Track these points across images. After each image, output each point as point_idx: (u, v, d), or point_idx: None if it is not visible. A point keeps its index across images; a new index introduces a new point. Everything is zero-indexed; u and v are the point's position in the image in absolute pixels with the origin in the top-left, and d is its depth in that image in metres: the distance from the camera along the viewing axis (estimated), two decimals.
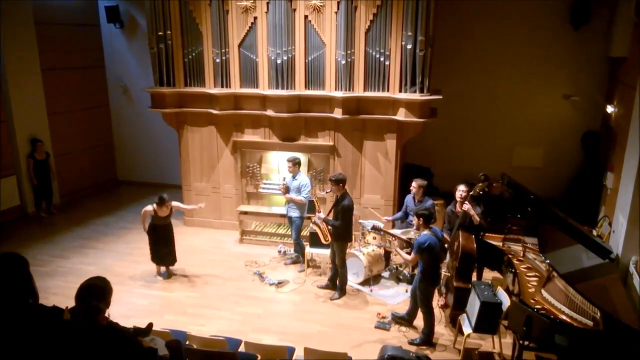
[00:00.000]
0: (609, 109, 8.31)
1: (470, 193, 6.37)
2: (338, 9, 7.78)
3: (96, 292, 3.19)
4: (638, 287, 5.73)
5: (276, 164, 8.73)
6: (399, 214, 7.64)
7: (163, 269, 7.60)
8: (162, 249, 7.44)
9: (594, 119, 9.27)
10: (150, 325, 3.84)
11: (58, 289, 7.03)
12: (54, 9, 10.36)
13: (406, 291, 6.94)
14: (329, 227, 6.86)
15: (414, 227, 6.81)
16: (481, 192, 6.33)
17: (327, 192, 7.36)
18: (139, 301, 6.92)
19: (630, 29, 7.58)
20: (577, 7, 8.72)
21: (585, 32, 8.91)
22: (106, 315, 3.22)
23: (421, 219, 5.75)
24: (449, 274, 6.38)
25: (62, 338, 3.05)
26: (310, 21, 7.99)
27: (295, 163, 7.65)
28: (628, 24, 7.59)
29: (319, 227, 6.97)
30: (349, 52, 7.83)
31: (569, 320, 4.81)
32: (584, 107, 9.30)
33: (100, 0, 11.27)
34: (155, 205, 7.21)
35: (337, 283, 7.06)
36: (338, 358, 4.67)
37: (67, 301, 4.01)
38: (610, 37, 8.51)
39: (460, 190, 6.70)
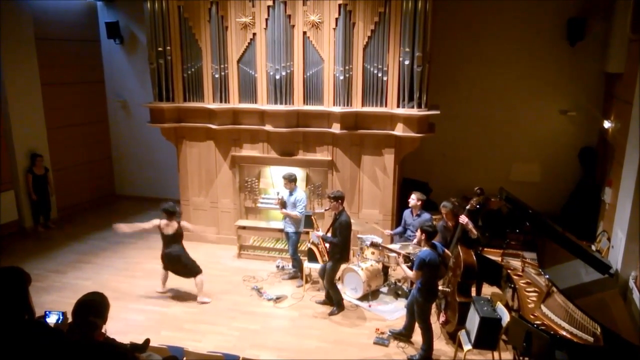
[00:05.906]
0: (606, 124, 8.35)
1: (467, 207, 6.36)
2: (336, 25, 7.86)
3: (93, 307, 3.17)
4: (638, 302, 5.71)
5: (274, 179, 8.74)
6: (399, 229, 7.62)
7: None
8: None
9: (591, 134, 9.30)
10: (147, 341, 3.81)
11: (54, 304, 6.93)
12: (55, 25, 10.44)
13: (405, 307, 6.90)
14: (327, 246, 6.83)
15: (415, 242, 6.81)
16: (477, 206, 6.32)
17: (325, 210, 7.32)
18: (136, 317, 6.86)
19: (625, 45, 7.65)
20: (573, 23, 8.81)
21: (582, 48, 8.98)
22: (103, 331, 3.20)
23: (424, 234, 5.69)
24: (449, 290, 6.35)
25: (58, 354, 3.02)
26: (308, 37, 8.06)
27: (291, 180, 7.61)
28: (623, 40, 7.67)
29: (317, 247, 6.92)
30: (347, 67, 7.89)
31: (569, 335, 4.79)
32: (581, 123, 9.33)
33: (101, 16, 11.39)
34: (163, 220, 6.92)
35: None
36: None
37: None
38: (606, 53, 8.59)
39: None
